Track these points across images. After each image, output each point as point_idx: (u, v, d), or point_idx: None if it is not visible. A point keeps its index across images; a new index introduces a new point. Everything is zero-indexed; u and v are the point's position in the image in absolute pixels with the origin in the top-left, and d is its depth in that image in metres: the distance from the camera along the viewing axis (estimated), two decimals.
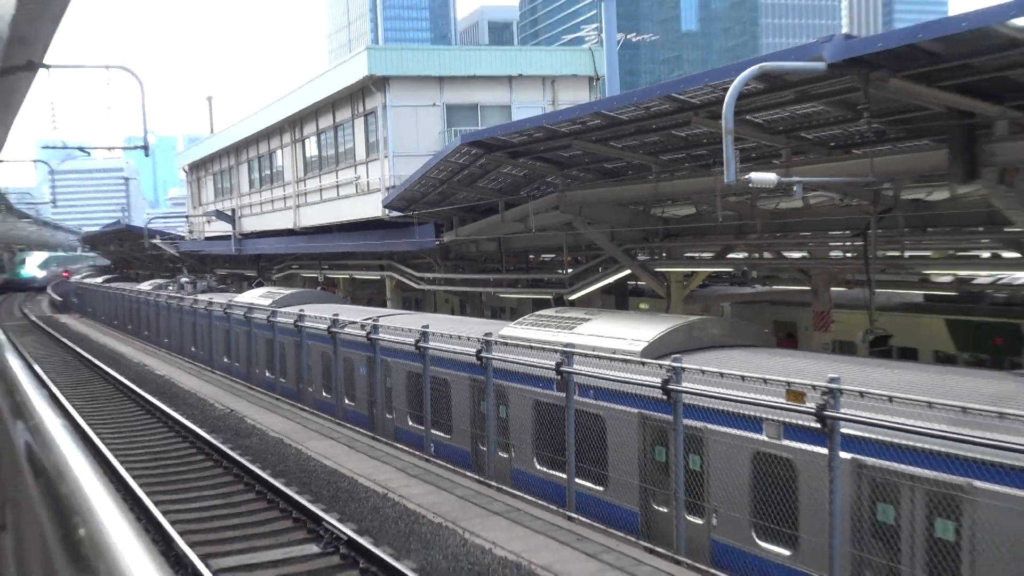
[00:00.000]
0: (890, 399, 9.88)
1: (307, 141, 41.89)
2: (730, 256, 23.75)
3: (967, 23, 10.74)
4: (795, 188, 14.57)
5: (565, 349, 14.51)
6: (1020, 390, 10.36)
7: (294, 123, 42.41)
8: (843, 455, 10.58)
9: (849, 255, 20.59)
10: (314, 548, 12.97)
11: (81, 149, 44.93)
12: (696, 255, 24.56)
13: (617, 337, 15.33)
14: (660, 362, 13.23)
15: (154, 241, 59.78)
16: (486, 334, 17.03)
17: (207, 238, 57.92)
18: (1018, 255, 18.27)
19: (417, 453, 18.55)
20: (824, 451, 10.79)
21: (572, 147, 20.22)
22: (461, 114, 34.76)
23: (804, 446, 11.25)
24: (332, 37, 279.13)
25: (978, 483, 9.41)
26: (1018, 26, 10.51)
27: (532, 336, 16.87)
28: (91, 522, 2.58)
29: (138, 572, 2.08)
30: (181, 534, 13.24)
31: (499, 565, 11.82)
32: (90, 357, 37.33)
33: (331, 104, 38.10)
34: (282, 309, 28.47)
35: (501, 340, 16.60)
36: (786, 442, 11.58)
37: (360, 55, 35.00)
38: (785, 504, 11.56)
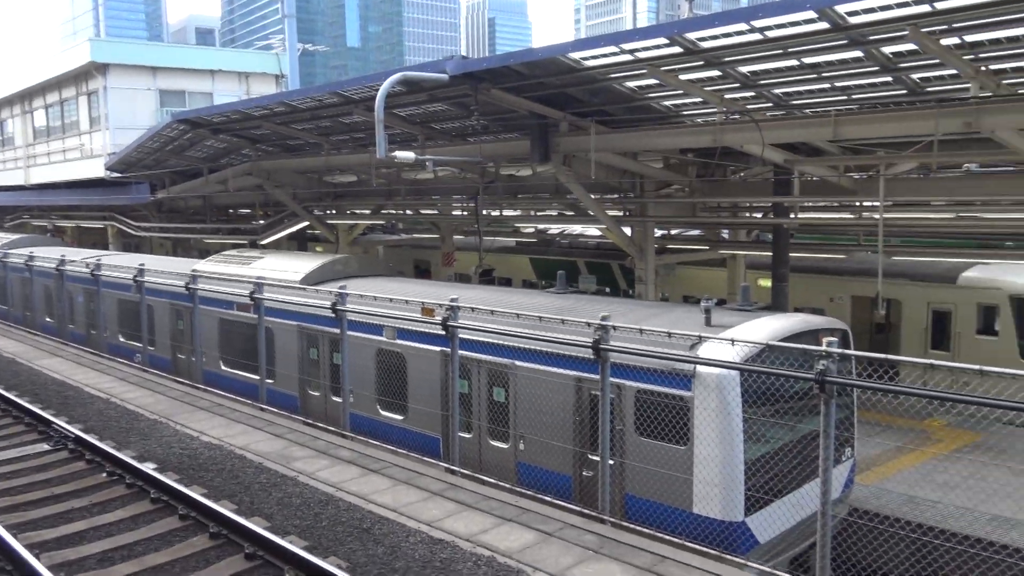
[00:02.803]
0: (492, 312, 10.38)
1: (36, 113, 36.84)
2: (383, 212, 23.85)
3: (542, 53, 11.32)
4: (428, 164, 14.80)
5: (256, 281, 13.94)
6: (569, 303, 11.31)
7: (24, 97, 37.17)
8: (439, 349, 11.14)
9: (466, 213, 21.31)
10: (45, 447, 11.61)
11: None
12: (358, 211, 24.45)
13: (283, 270, 15.30)
14: (317, 288, 13.44)
15: None
16: (193, 269, 16.02)
17: None
18: (573, 214, 19.78)
19: (135, 364, 17.11)
20: (423, 346, 11.65)
21: (262, 127, 19.25)
22: (172, 98, 32.17)
23: (409, 343, 11.92)
24: (63, 26, 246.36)
25: (518, 363, 10.42)
26: (574, 58, 11.23)
27: (220, 270, 16.37)
28: None
29: None
30: None
31: (205, 448, 11.22)
32: None
33: (58, 83, 33.78)
34: (12, 251, 25.21)
35: (196, 272, 15.72)
36: (399, 341, 12.07)
37: (84, 44, 31.53)
38: (397, 384, 12.14)
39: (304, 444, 11.30)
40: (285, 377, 14.30)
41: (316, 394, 13.89)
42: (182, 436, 11.80)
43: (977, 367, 6.00)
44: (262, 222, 26.14)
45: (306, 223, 24.24)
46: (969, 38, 9.06)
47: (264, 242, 24.66)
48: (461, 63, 12.42)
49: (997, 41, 9.05)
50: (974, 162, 14.23)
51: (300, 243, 27.19)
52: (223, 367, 15.79)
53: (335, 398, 13.19)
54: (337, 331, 12.23)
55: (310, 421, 12.73)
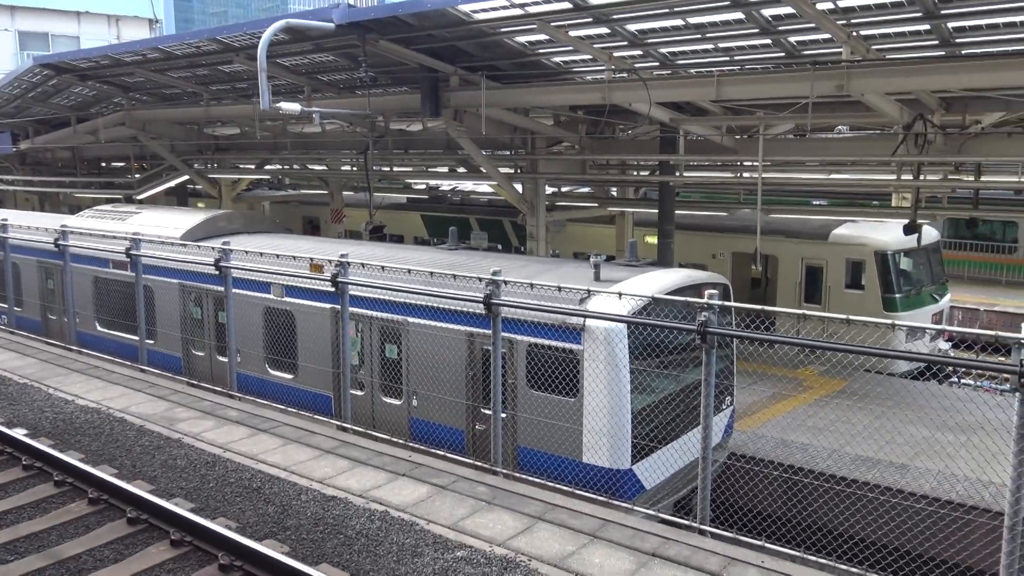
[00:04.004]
0: (382, 268, 10.27)
1: None
2: (267, 167, 23.10)
3: (431, 4, 11.12)
4: (315, 116, 14.37)
5: (133, 237, 13.28)
6: (461, 259, 11.34)
7: None
8: (329, 306, 11.06)
9: (355, 168, 20.91)
10: None
11: None
12: (241, 165, 23.59)
13: (162, 226, 14.74)
14: (199, 244, 12.99)
15: None
16: (63, 225, 15.10)
17: None
18: (465, 170, 19.71)
19: (0, 327, 16.10)
20: (312, 303, 11.51)
21: (136, 74, 18.20)
22: (33, 40, 29.94)
23: (298, 300, 11.76)
24: None
25: (410, 319, 10.43)
26: (464, 11, 11.09)
27: (93, 226, 15.57)
28: None
29: None
30: None
31: (80, 411, 10.72)
32: None
33: None
34: None
35: (66, 228, 14.84)
36: (287, 298, 11.89)
37: None
38: (286, 342, 11.98)
39: (189, 405, 10.97)
40: (167, 337, 13.78)
41: (201, 354, 13.47)
42: (55, 400, 11.23)
43: (843, 316, 6.39)
44: (138, 176, 24.88)
45: (186, 177, 23.22)
46: (842, 3, 9.48)
47: (140, 197, 23.53)
48: (348, 12, 12.07)
49: (867, 7, 9.51)
50: (845, 124, 15.01)
51: (180, 198, 26.05)
52: (99, 328, 15.07)
53: (221, 358, 12.83)
54: (221, 289, 11.85)
55: (195, 382, 12.36)
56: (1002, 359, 5.68)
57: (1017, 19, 9.39)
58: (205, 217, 14.95)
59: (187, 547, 6.90)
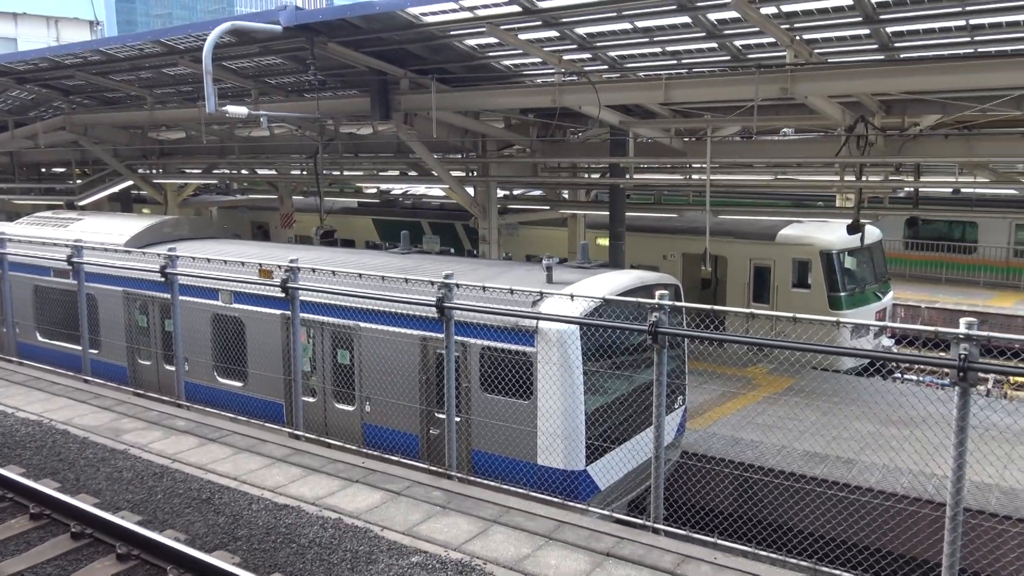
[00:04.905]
0: (333, 273, 10.15)
1: None
2: (215, 171, 22.74)
3: (380, 7, 11.04)
4: (262, 120, 14.17)
5: (74, 244, 12.94)
6: (413, 263, 11.30)
7: None
8: (280, 312, 10.97)
9: (305, 172, 20.70)
10: None
11: None
12: (188, 170, 23.16)
13: (106, 232, 14.41)
14: (144, 251, 12.66)
15: None
16: (0, 232, 14.66)
17: None
18: (417, 174, 19.65)
19: None
20: (261, 310, 11.39)
21: (76, 77, 17.73)
22: None
23: (247, 307, 11.62)
24: None
25: (362, 324, 10.39)
26: (413, 13, 11.05)
27: (33, 233, 15.14)
28: None
29: None
30: None
31: (21, 424, 10.40)
32: None
33: None
34: None
35: (2, 236, 14.39)
36: (235, 305, 11.73)
37: None
38: (236, 350, 11.82)
39: (135, 416, 10.72)
40: (111, 346, 13.46)
41: (147, 363, 13.18)
42: None
43: (791, 315, 6.51)
44: (80, 181, 24.28)
45: (130, 183, 22.74)
46: (785, 8, 9.66)
47: (83, 203, 22.95)
48: (295, 14, 11.93)
49: (809, 12, 9.72)
50: (790, 126, 15.31)
51: (124, 204, 25.50)
52: (40, 338, 14.64)
53: (168, 367, 12.56)
54: (168, 296, 11.61)
55: (141, 392, 12.09)
56: (942, 354, 5.85)
57: (952, 24, 9.68)
58: (150, 223, 14.64)
59: (134, 561, 6.74)
